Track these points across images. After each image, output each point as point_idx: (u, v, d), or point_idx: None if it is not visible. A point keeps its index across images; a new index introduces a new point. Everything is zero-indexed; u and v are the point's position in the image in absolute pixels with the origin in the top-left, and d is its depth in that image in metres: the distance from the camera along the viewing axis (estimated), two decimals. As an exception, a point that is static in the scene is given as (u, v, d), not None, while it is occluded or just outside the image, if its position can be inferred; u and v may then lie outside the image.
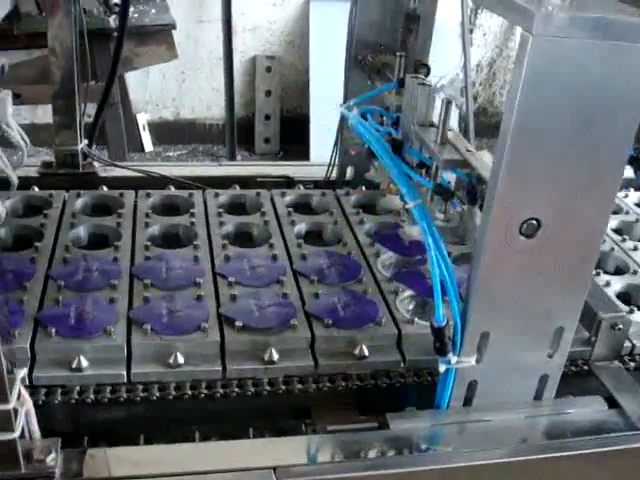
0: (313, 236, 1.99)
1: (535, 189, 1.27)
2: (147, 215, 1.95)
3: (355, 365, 1.55)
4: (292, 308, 1.63)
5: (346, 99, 2.15)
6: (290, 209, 2.04)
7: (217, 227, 1.93)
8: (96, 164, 2.25)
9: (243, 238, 1.95)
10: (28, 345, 1.45)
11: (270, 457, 1.32)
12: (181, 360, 1.48)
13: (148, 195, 2.04)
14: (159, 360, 1.49)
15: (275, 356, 1.52)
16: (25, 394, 1.22)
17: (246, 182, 2.21)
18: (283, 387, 1.51)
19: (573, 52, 1.16)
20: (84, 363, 1.45)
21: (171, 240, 1.91)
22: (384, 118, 1.83)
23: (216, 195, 2.08)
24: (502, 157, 1.23)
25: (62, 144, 2.20)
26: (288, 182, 2.26)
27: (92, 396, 1.44)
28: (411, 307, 1.72)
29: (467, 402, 1.48)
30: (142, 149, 5.63)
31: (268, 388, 1.50)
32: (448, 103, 1.53)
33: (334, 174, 2.29)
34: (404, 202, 1.54)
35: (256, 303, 1.63)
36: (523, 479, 1.43)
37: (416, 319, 1.61)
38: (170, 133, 5.77)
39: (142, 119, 5.61)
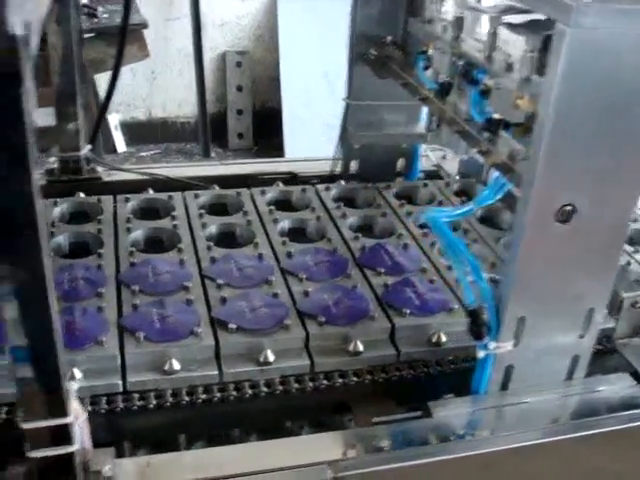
0: (297, 233, 2.01)
1: (571, 176, 1.30)
2: (128, 220, 1.95)
3: (350, 361, 1.56)
4: (284, 308, 1.63)
5: (350, 93, 2.17)
6: (272, 207, 2.05)
7: (200, 229, 1.94)
8: (99, 169, 2.23)
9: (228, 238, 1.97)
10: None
11: (322, 452, 1.34)
12: (177, 366, 1.48)
13: (127, 200, 2.05)
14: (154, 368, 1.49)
15: (271, 357, 1.52)
16: (79, 406, 1.22)
17: (251, 180, 2.21)
18: (280, 388, 1.52)
19: (608, 42, 1.19)
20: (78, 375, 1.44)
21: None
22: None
23: (196, 196, 2.09)
24: (539, 146, 1.26)
25: (65, 149, 2.18)
26: (292, 178, 2.28)
27: (89, 407, 1.42)
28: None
29: (504, 386, 1.51)
30: (115, 150, 5.59)
31: (265, 389, 1.51)
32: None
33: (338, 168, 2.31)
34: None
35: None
36: (566, 457, 1.47)
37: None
38: (142, 133, 5.73)
39: (114, 120, 5.56)
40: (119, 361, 1.48)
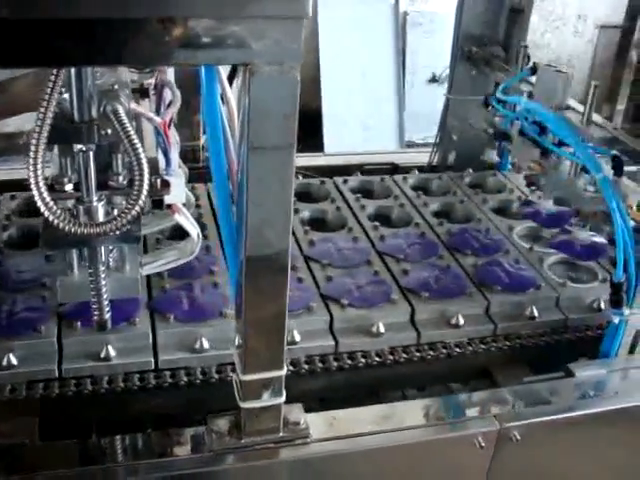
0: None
1: None
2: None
3: (452, 334, 1.69)
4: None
5: (451, 88, 2.33)
6: (419, 192, 2.21)
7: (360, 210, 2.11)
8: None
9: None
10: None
11: (485, 407, 1.49)
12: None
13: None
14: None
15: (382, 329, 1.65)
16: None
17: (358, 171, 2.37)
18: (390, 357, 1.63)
19: None
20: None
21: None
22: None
23: (345, 181, 2.26)
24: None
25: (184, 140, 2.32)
26: (394, 168, 2.42)
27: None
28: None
29: (631, 350, 1.66)
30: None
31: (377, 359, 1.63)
32: (595, 86, 1.71)
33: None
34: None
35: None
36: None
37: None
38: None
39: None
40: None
